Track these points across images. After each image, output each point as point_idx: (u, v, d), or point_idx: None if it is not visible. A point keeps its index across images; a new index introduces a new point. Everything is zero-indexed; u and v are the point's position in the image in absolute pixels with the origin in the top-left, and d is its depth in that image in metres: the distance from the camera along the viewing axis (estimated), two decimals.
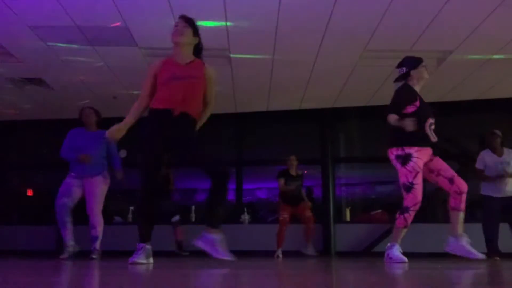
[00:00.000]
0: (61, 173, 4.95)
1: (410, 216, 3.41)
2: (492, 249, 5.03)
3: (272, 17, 4.54)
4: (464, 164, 6.98)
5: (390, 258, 3.36)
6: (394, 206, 7.80)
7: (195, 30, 3.18)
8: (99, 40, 5.00)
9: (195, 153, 3.08)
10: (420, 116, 3.40)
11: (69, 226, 4.60)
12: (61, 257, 4.48)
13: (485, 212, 5.31)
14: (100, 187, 4.71)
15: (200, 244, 2.85)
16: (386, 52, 5.32)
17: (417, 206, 3.42)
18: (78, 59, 5.50)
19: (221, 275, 2.01)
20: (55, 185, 4.93)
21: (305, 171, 6.69)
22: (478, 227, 5.43)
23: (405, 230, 3.45)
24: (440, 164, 3.50)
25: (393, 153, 3.49)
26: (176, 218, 6.08)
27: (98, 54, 5.33)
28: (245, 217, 7.19)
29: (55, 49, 5.22)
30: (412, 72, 3.65)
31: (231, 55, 5.36)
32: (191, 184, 9.66)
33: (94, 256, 4.49)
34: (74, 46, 5.13)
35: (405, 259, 3.33)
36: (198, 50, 3.25)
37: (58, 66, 5.61)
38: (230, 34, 4.85)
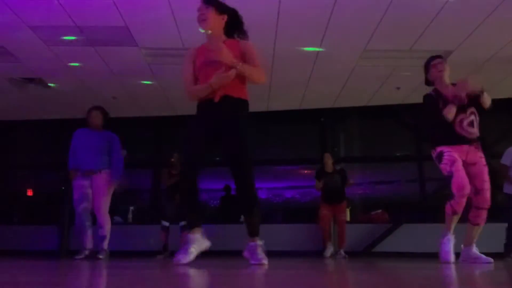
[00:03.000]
0: (61, 173, 4.95)
1: (457, 202, 3.28)
2: (509, 249, 5.16)
3: (272, 17, 4.55)
4: None
5: (440, 253, 3.35)
6: (394, 206, 7.84)
7: (219, 7, 2.89)
8: (99, 40, 5.01)
9: (240, 137, 2.79)
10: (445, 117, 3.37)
11: (90, 230, 4.56)
12: (77, 257, 4.44)
13: (510, 211, 5.31)
14: (107, 184, 4.61)
15: (246, 254, 2.85)
16: (386, 52, 5.33)
17: (464, 192, 3.25)
18: (78, 59, 5.50)
19: (213, 272, 2.01)
20: (55, 185, 4.93)
21: (340, 168, 6.68)
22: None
23: (456, 217, 3.33)
24: (479, 172, 3.40)
25: (433, 155, 3.51)
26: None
27: (98, 54, 5.34)
28: None
29: (55, 49, 5.22)
30: (428, 76, 3.67)
31: None
32: None
33: (101, 256, 4.45)
34: (74, 46, 5.14)
35: (449, 259, 3.28)
36: (233, 25, 2.96)
37: (58, 66, 5.62)
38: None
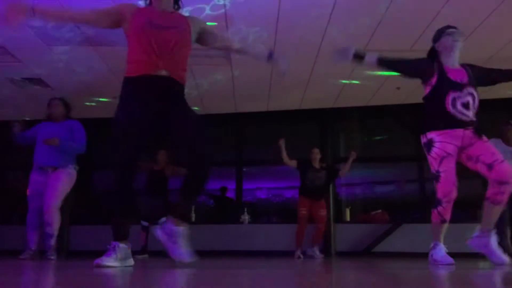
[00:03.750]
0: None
1: (444, 209, 2.94)
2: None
3: (272, 17, 4.54)
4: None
5: (435, 260, 2.99)
6: (394, 206, 7.84)
7: None
8: (99, 40, 5.00)
9: (185, 128, 2.50)
10: (438, 94, 3.03)
11: (39, 229, 4.35)
12: (21, 257, 4.24)
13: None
14: (62, 181, 4.35)
15: (159, 234, 2.46)
16: (386, 52, 5.31)
17: (451, 196, 2.92)
18: (78, 59, 5.50)
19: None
20: None
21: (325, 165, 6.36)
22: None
23: (444, 225, 3.00)
24: (481, 148, 2.96)
25: (422, 140, 3.14)
26: (163, 220, 5.54)
27: (98, 54, 5.33)
28: (245, 217, 7.19)
29: (55, 49, 5.22)
30: (437, 46, 3.20)
31: (231, 55, 5.37)
32: None
33: (51, 257, 4.25)
34: (74, 46, 5.14)
35: (451, 260, 2.95)
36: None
37: (58, 66, 5.61)
38: (230, 34, 4.85)
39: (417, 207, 7.24)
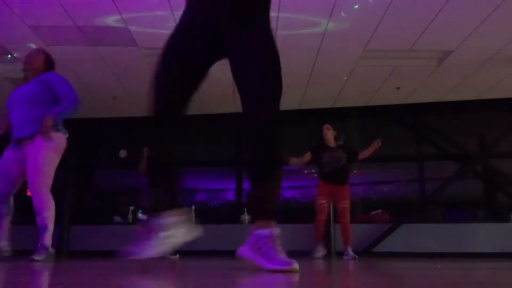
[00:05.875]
0: (61, 173, 4.93)
1: None
2: None
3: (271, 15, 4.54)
4: (464, 164, 6.99)
5: None
6: (394, 206, 7.83)
7: None
8: (99, 40, 5.01)
9: (256, 60, 1.78)
10: None
11: (4, 220, 3.43)
12: None
13: None
14: (44, 150, 3.24)
15: (242, 253, 1.84)
16: (386, 52, 5.33)
17: None
18: (78, 59, 5.50)
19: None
20: (54, 185, 4.90)
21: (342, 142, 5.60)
22: (479, 227, 5.42)
23: None
24: None
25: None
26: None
27: (98, 54, 5.34)
28: (245, 217, 7.19)
29: (55, 49, 5.21)
30: None
31: None
32: (190, 184, 9.66)
33: (36, 258, 3.12)
34: (74, 46, 5.14)
35: None
36: None
37: (58, 66, 5.60)
38: None
39: (417, 207, 7.23)
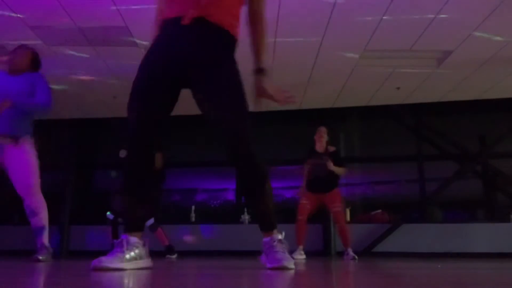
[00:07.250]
0: (61, 173, 4.92)
1: None
2: None
3: (271, 16, 4.54)
4: (464, 164, 6.99)
5: None
6: (394, 206, 7.84)
7: None
8: (99, 40, 5.01)
9: (222, 93, 1.93)
10: None
11: None
12: None
13: None
14: (31, 153, 3.34)
15: (262, 258, 2.11)
16: (386, 52, 5.33)
17: None
18: (78, 59, 5.51)
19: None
20: (54, 185, 4.88)
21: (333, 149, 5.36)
22: (479, 227, 5.42)
23: None
24: None
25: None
26: (151, 221, 5.05)
27: (98, 54, 5.34)
28: (245, 217, 7.19)
29: (55, 49, 5.22)
30: None
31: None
32: (190, 184, 9.67)
33: (41, 257, 3.21)
34: (74, 46, 5.14)
35: None
36: None
37: (57, 66, 5.61)
38: None
39: (417, 207, 7.24)
